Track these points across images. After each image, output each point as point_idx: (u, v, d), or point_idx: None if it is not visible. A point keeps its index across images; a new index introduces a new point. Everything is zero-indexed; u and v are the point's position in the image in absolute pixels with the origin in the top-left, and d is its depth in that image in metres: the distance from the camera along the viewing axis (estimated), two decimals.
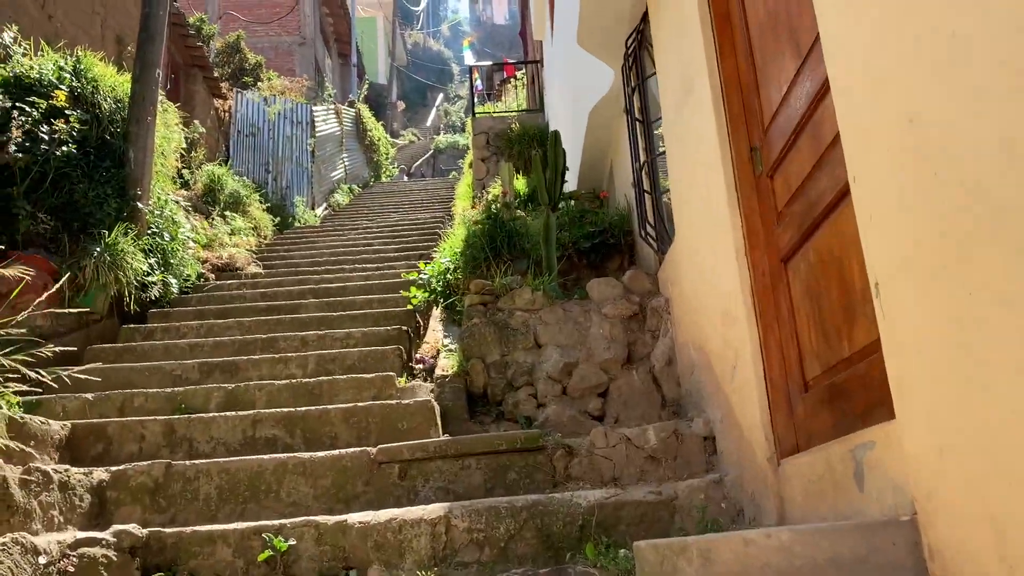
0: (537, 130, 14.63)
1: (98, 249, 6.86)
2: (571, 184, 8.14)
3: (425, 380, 5.77)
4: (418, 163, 32.44)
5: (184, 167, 11.37)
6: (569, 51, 8.12)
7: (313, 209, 15.32)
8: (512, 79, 23.77)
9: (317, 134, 16.35)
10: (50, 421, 4.29)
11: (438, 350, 6.72)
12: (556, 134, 6.19)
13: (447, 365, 5.42)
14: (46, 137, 6.80)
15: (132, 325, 7.18)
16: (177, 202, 9.08)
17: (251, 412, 4.59)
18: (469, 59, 46.25)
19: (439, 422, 4.63)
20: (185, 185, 11.35)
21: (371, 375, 5.26)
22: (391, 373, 5.31)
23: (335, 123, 18.50)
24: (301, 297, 7.88)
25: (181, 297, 8.07)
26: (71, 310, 5.70)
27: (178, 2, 12.72)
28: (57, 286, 5.05)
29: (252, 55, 17.88)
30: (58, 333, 6.61)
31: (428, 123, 41.23)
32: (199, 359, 5.95)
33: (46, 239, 6.82)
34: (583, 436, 4.39)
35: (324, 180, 16.91)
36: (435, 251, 10.26)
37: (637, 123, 5.66)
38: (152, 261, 7.72)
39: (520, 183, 12.41)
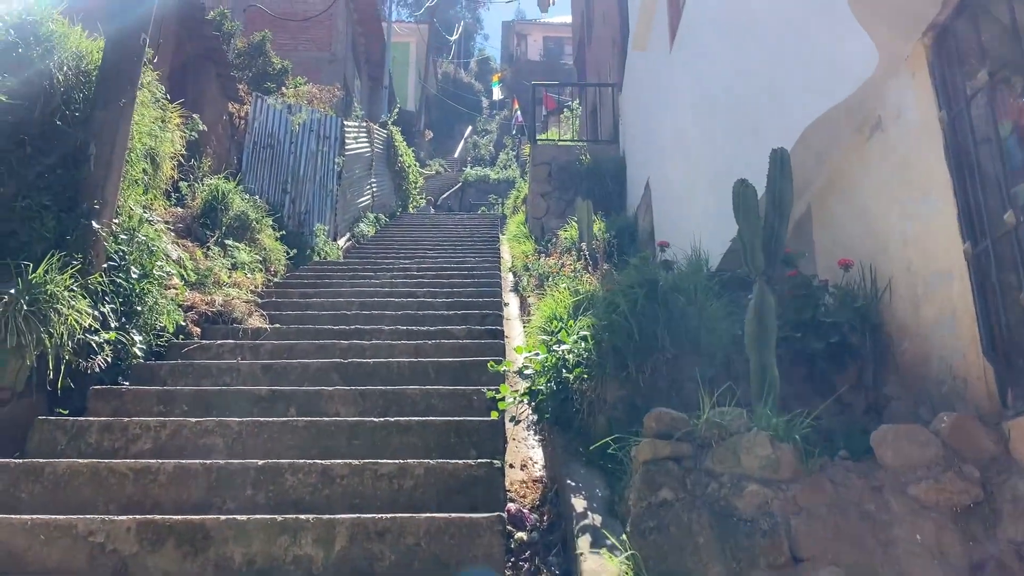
0: (612, 164, 12.18)
1: (12, 291, 4.33)
2: (718, 235, 5.60)
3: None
4: (446, 195, 30.25)
5: (182, 178, 8.87)
6: (744, 51, 5.63)
7: (335, 240, 12.80)
8: (562, 111, 21.48)
9: (346, 153, 13.89)
10: None
11: (543, 498, 4.12)
12: (781, 154, 3.66)
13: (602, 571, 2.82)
14: None
15: (59, 412, 4.61)
16: (157, 223, 6.56)
17: None
18: (498, 95, 44.63)
19: None
20: (181, 201, 8.85)
21: None
22: None
23: (366, 143, 16.07)
24: (322, 379, 5.30)
25: (147, 364, 5.48)
26: None
27: None
28: None
29: (277, 59, 15.52)
30: None
31: (456, 155, 39.24)
32: (142, 511, 3.37)
33: None
34: None
35: (349, 207, 14.42)
36: (503, 312, 7.73)
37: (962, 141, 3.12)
38: (106, 309, 5.17)
39: (598, 226, 9.91)
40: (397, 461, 3.78)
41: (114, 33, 5.64)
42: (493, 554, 3.15)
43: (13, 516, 3.21)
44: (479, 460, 3.82)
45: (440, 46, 44.61)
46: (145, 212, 6.29)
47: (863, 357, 3.87)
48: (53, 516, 3.20)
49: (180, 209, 8.65)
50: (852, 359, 3.88)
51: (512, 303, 8.87)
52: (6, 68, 4.90)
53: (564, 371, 4.18)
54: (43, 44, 5.25)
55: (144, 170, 6.62)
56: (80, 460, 3.76)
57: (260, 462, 3.74)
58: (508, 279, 10.46)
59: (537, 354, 4.40)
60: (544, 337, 4.78)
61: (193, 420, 4.29)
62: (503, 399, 4.42)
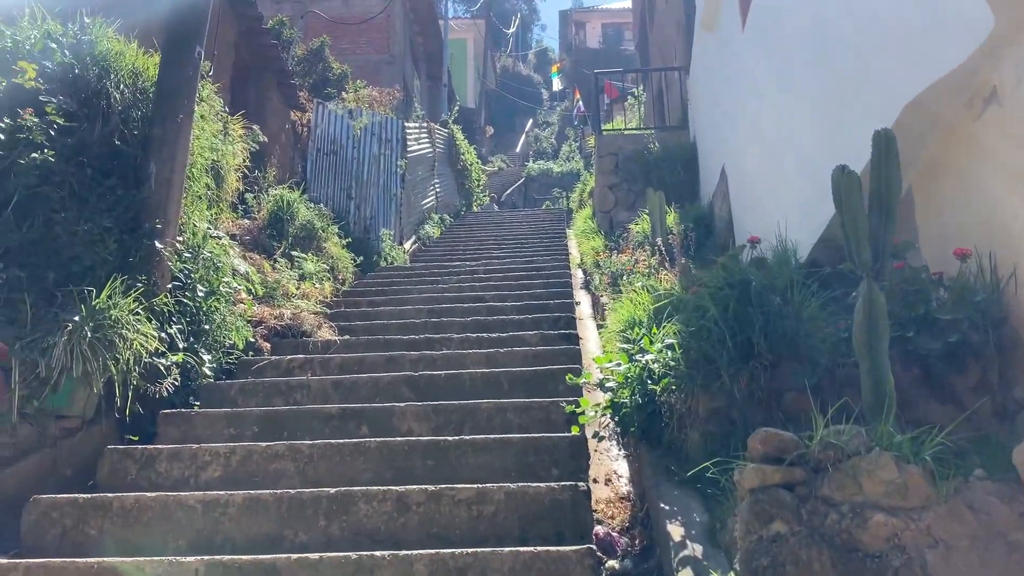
0: (682, 151, 11.74)
1: (76, 318, 4.24)
2: (806, 224, 5.20)
3: None
4: (509, 191, 30.01)
5: (247, 190, 8.83)
6: (830, 25, 5.23)
7: (401, 244, 12.68)
8: (626, 98, 21.00)
9: (408, 155, 13.77)
10: None
11: (633, 519, 3.84)
12: (886, 135, 3.30)
13: None
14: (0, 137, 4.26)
15: (129, 439, 4.54)
16: (222, 237, 6.48)
17: None
18: (558, 85, 44.09)
19: None
20: (247, 212, 8.80)
21: None
22: None
23: (427, 143, 15.94)
24: (393, 393, 5.11)
25: (217, 384, 5.38)
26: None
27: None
28: None
29: (337, 64, 15.50)
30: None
31: (517, 149, 38.97)
32: (213, 546, 3.21)
33: None
34: None
35: (413, 209, 14.31)
36: (575, 313, 7.44)
37: None
38: (173, 331, 5.07)
39: (671, 218, 9.52)
40: (475, 486, 3.54)
41: (168, 48, 5.55)
42: None
43: (79, 560, 3.08)
44: (562, 483, 3.55)
45: (497, 39, 44.35)
46: (210, 227, 6.21)
47: (986, 357, 3.47)
48: (120, 559, 3.06)
49: (247, 221, 8.60)
50: (974, 359, 3.48)
51: (584, 301, 8.59)
52: (63, 90, 4.83)
53: (649, 382, 3.87)
54: (99, 64, 5.17)
55: (207, 185, 6.55)
56: (148, 494, 3.63)
57: (332, 490, 3.55)
58: (578, 276, 10.17)
59: (618, 364, 4.10)
60: (624, 345, 4.48)
61: (263, 445, 4.13)
62: (583, 412, 4.15)
